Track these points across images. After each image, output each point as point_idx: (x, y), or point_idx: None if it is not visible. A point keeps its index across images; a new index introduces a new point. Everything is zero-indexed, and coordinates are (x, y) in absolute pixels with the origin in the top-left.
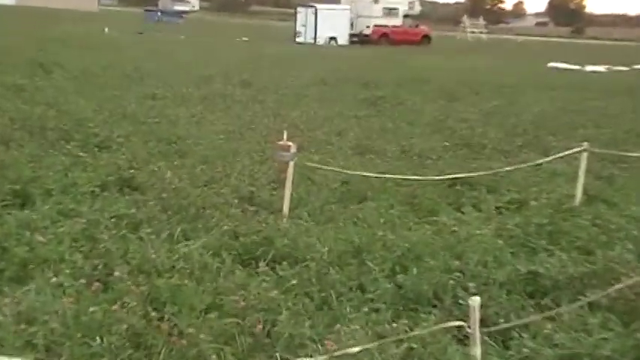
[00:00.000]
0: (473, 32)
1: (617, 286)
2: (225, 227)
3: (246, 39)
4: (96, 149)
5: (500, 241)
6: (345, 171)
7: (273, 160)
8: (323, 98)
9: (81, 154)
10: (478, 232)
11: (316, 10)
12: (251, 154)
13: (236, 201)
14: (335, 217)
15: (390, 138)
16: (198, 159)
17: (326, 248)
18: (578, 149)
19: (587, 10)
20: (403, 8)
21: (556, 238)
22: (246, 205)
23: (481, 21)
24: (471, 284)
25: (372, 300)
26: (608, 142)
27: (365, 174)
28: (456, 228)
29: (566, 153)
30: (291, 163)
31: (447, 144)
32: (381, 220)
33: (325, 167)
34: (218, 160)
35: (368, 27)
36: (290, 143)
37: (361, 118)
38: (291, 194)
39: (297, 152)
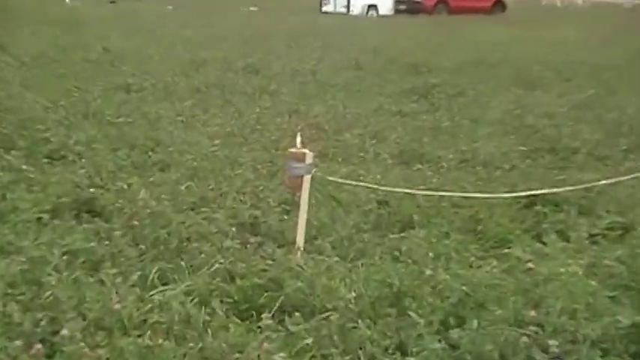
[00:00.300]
0: None
1: None
2: (218, 266)
3: (255, 8)
4: (45, 161)
5: (595, 282)
6: (382, 188)
7: (284, 174)
8: (356, 88)
9: (25, 167)
10: (564, 269)
11: None
12: (256, 165)
13: (233, 230)
14: (367, 251)
15: (445, 141)
16: (184, 173)
17: (353, 293)
18: None
19: None
20: None
21: None
22: (247, 235)
23: None
24: (552, 342)
25: None
26: None
27: (410, 191)
28: (532, 264)
29: None
30: (307, 178)
31: (524, 148)
32: (431, 255)
33: (355, 183)
34: (211, 174)
35: None
36: (305, 151)
37: (407, 115)
38: (308, 220)
39: (315, 163)
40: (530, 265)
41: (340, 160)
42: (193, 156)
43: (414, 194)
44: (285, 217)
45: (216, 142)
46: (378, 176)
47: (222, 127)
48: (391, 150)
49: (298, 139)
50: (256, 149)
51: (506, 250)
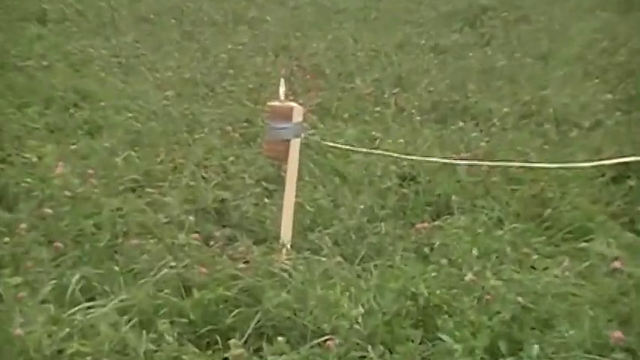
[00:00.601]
0: None
1: None
2: (167, 271)
3: None
4: None
5: None
6: (407, 156)
7: (263, 138)
8: (372, 15)
9: None
10: None
11: None
12: (225, 127)
13: (191, 219)
14: (384, 248)
15: (500, 88)
16: (121, 138)
17: (362, 309)
18: None
19: None
20: None
21: None
22: (210, 228)
23: None
24: None
25: None
26: None
27: (448, 161)
28: (621, 264)
29: None
30: (296, 143)
31: (612, 97)
32: (475, 252)
33: (368, 150)
34: (160, 139)
35: None
36: (293, 104)
37: (445, 52)
38: (299, 204)
39: (307, 122)
40: (617, 264)
41: (347, 117)
42: (135, 114)
43: (452, 165)
44: (266, 200)
45: (169, 93)
46: (402, 140)
47: (178, 71)
48: (421, 102)
49: (282, 89)
50: (226, 103)
51: (585, 244)
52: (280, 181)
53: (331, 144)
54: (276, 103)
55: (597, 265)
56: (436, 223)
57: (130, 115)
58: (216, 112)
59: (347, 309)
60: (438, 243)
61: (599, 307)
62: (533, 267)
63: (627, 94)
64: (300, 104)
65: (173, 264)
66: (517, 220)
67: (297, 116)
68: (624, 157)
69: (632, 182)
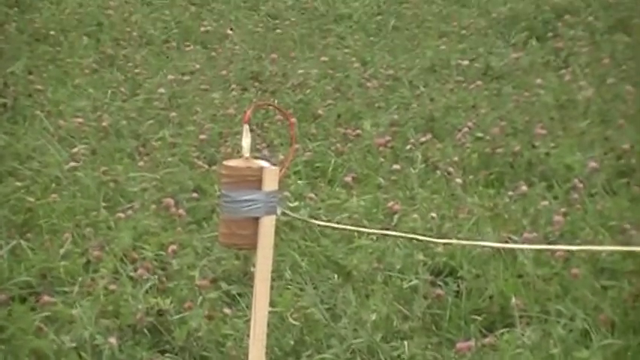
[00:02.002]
0: None
1: None
2: None
3: None
4: None
5: None
6: (443, 240)
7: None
8: (390, 22)
9: None
10: None
11: None
12: (164, 200)
13: (112, 341)
14: None
15: (585, 132)
16: (5, 222)
17: None
18: None
19: None
20: None
21: None
22: (141, 355)
23: None
24: None
25: None
26: None
27: (505, 245)
28: None
29: None
30: (269, 223)
31: None
32: None
33: (381, 232)
34: (65, 221)
35: None
36: (263, 164)
37: (503, 77)
38: (275, 317)
39: (285, 190)
40: None
41: (351, 181)
42: (27, 183)
43: (512, 250)
44: (227, 310)
45: (79, 149)
46: (434, 214)
47: (92, 117)
48: (464, 156)
49: (246, 140)
50: (167, 164)
51: None
52: (248, 280)
53: (325, 224)
54: (236, 163)
55: None
56: (488, 340)
57: (18, 184)
58: (151, 178)
59: None
60: None
61: None
62: None
63: None
64: (275, 164)
65: None
66: (612, 333)
67: (271, 182)
68: None
69: None
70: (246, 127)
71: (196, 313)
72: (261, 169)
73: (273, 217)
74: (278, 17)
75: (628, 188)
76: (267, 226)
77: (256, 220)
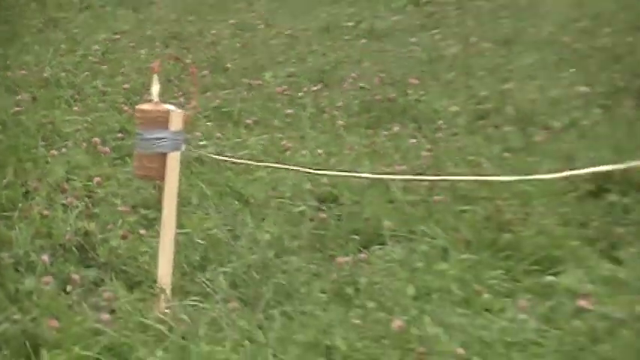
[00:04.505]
0: None
1: None
2: (8, 326)
3: None
4: None
5: None
6: (328, 172)
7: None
8: None
9: None
10: None
11: None
12: (93, 139)
13: (45, 258)
14: (295, 289)
15: (450, 82)
16: None
17: None
18: None
19: None
20: None
21: None
22: (69, 269)
23: None
24: None
25: None
26: None
27: (379, 176)
28: (589, 302)
29: None
30: (174, 157)
31: (592, 90)
32: (411, 291)
33: (275, 165)
34: (8, 157)
35: None
36: (170, 107)
37: (385, 36)
38: (184, 237)
39: (194, 130)
40: (583, 303)
41: (252, 123)
42: None
43: (385, 181)
44: (143, 231)
45: (23, 97)
46: (321, 151)
47: (35, 69)
48: (348, 102)
49: (155, 87)
50: (97, 109)
51: (552, 278)
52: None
53: (226, 159)
54: (147, 107)
55: (565, 305)
56: (363, 255)
57: None
58: (83, 121)
59: None
60: (364, 281)
61: (565, 357)
62: (487, 309)
63: (611, 85)
64: (185, 107)
65: (17, 317)
66: (467, 249)
67: (176, 123)
68: (603, 165)
69: (613, 197)
70: (155, 76)
71: (117, 234)
72: (168, 111)
73: (178, 153)
74: None
75: (484, 129)
76: (174, 160)
77: (164, 155)
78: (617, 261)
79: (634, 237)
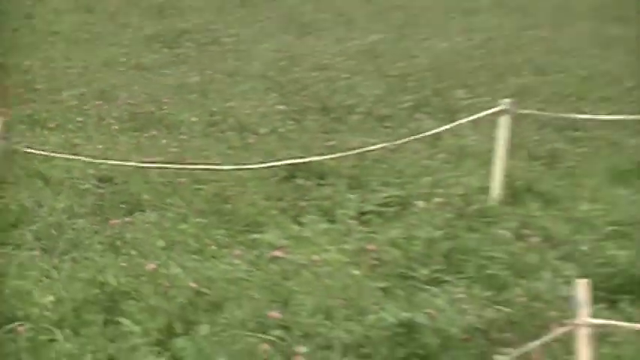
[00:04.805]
0: None
1: (540, 341)
2: None
3: None
4: None
5: (358, 271)
6: (103, 161)
7: None
8: (84, 37)
9: None
10: (322, 257)
11: None
12: None
13: None
14: (82, 242)
15: (192, 101)
16: None
17: (52, 297)
18: (496, 109)
19: None
20: None
21: (456, 262)
22: None
23: None
24: (300, 349)
25: None
26: (554, 97)
27: (139, 164)
28: (283, 252)
29: (478, 116)
30: None
31: (287, 108)
32: (161, 244)
33: (67, 156)
34: None
35: None
36: None
37: (146, 69)
38: (2, 205)
39: (12, 131)
40: (278, 253)
41: (53, 126)
42: None
43: (145, 168)
44: None
45: None
46: (101, 146)
47: None
48: (120, 113)
49: None
50: None
51: (257, 235)
52: None
53: (32, 151)
54: None
55: (266, 253)
56: (129, 219)
57: None
58: None
59: (38, 298)
60: (129, 236)
61: (264, 290)
62: (213, 257)
63: (300, 105)
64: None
65: None
66: (201, 215)
67: None
68: (293, 159)
69: (299, 181)
70: None
71: None
72: None
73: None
74: (17, 31)
75: (214, 133)
76: None
77: None
78: (301, 224)
79: (313, 208)
